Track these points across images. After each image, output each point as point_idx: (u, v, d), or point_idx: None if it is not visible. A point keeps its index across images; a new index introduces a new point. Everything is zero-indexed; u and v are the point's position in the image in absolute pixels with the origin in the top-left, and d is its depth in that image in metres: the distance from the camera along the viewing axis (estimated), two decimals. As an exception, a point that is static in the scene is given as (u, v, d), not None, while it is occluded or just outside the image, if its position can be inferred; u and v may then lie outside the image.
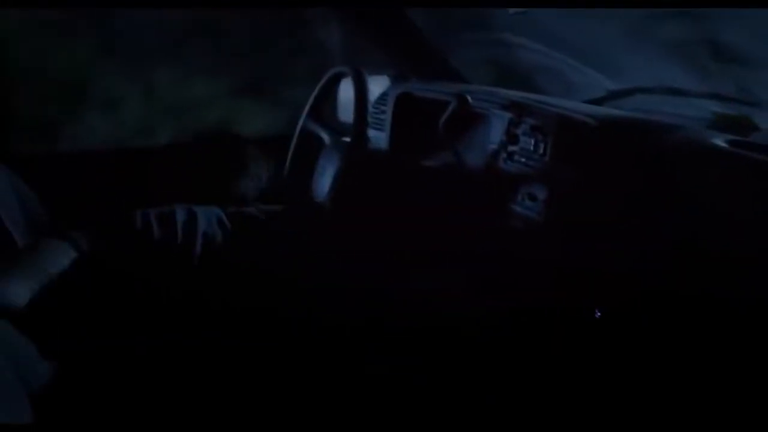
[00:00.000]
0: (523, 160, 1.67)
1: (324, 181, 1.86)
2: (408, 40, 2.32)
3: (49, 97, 2.68)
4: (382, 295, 1.71)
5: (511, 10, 2.00)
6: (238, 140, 2.40)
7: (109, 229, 1.76)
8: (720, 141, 1.44)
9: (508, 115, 1.75)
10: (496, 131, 1.77)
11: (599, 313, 1.49)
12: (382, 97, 2.19)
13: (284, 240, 1.79)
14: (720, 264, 1.30)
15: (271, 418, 1.40)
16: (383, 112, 2.15)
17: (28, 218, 1.81)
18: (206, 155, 2.34)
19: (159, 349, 1.45)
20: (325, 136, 1.98)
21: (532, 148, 1.65)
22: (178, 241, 1.75)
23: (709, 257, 1.31)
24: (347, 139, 1.88)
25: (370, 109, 2.13)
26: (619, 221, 1.45)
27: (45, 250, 1.62)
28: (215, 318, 1.57)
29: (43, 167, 2.05)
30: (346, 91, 2.13)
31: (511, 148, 1.71)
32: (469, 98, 1.80)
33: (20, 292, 1.49)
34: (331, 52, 2.64)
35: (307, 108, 2.07)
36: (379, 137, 2.11)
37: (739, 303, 1.27)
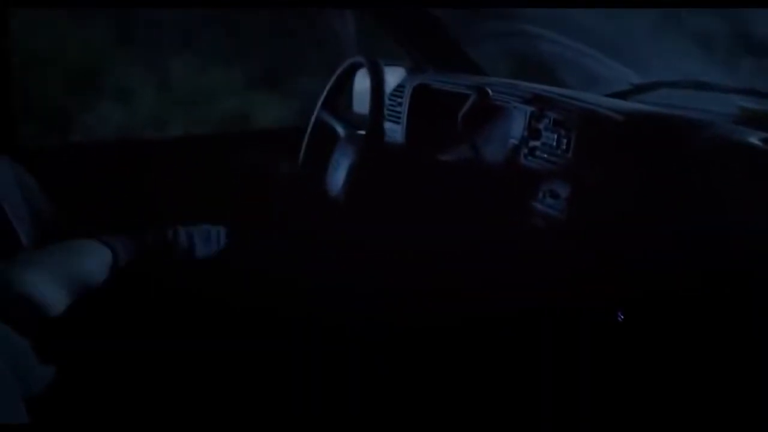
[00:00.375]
0: (545, 155, 1.62)
1: (338, 175, 1.81)
2: (425, 31, 2.27)
3: (61, 88, 2.68)
4: (396, 293, 1.67)
5: None
6: None
7: (149, 240, 1.73)
8: (754, 139, 1.37)
9: (529, 108, 1.69)
10: (517, 126, 1.72)
11: (622, 316, 1.44)
12: (398, 88, 2.14)
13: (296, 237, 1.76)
14: (751, 267, 1.26)
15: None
16: (399, 104, 2.10)
17: (33, 214, 1.77)
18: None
19: (180, 356, 1.43)
20: (340, 129, 1.93)
21: (554, 143, 1.59)
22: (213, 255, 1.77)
23: (740, 260, 1.25)
24: (362, 132, 1.82)
25: (386, 101, 2.09)
26: (644, 221, 1.40)
27: (82, 252, 1.58)
28: (240, 326, 1.54)
29: (49, 160, 2.00)
30: (361, 82, 2.09)
31: (533, 143, 1.66)
32: (489, 91, 1.74)
33: (61, 298, 1.46)
34: (347, 43, 2.61)
35: (321, 99, 2.02)
36: (394, 130, 2.06)
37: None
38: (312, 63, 2.43)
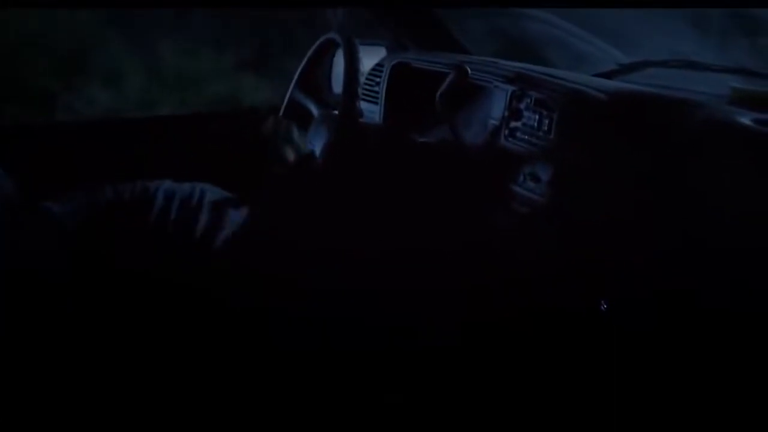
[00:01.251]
0: (526, 137, 1.56)
1: (312, 156, 1.74)
2: (408, 9, 2.20)
3: (47, 70, 2.66)
4: (372, 285, 1.61)
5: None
6: None
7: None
8: (745, 119, 1.31)
9: (510, 88, 1.63)
10: (497, 105, 1.65)
11: (605, 306, 1.38)
12: (377, 67, 2.07)
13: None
14: (741, 253, 1.20)
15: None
16: (377, 83, 2.03)
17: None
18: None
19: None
20: (314, 108, 1.87)
21: (536, 124, 1.53)
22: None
23: (729, 246, 1.21)
24: (337, 112, 1.76)
25: (364, 80, 2.03)
26: (629, 205, 1.34)
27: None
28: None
29: (12, 139, 1.94)
30: (341, 62, 2.03)
31: (514, 124, 1.60)
32: (468, 69, 1.68)
33: None
34: (336, 24, 2.56)
35: (295, 78, 1.96)
36: (372, 110, 2.00)
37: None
38: (302, 45, 2.37)
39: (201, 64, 2.98)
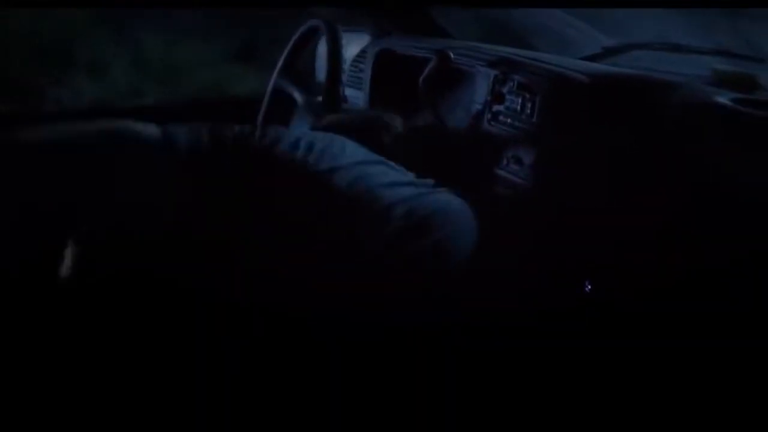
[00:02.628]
0: (509, 120, 1.56)
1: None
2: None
3: (33, 61, 2.65)
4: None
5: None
6: None
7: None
8: (724, 99, 1.32)
9: (493, 72, 1.63)
10: (480, 90, 1.66)
11: (589, 286, 1.38)
12: (361, 54, 2.07)
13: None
14: (723, 228, 1.22)
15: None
16: (362, 69, 2.03)
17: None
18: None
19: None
20: (297, 95, 1.87)
21: (519, 107, 1.54)
22: None
23: (711, 223, 1.22)
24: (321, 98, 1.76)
25: (348, 66, 2.03)
26: (612, 186, 1.34)
27: None
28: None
29: None
30: (324, 49, 2.03)
31: (497, 107, 1.60)
32: (451, 54, 1.68)
33: None
34: (323, 13, 2.55)
35: (279, 65, 1.95)
36: (357, 96, 2.00)
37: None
38: (288, 34, 2.36)
39: (187, 55, 2.97)
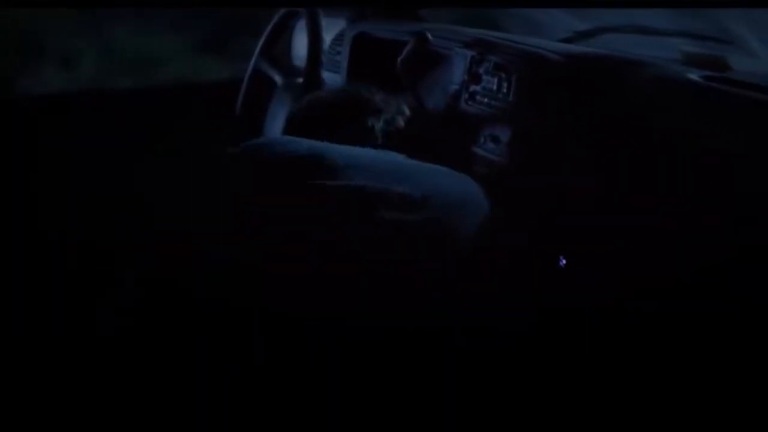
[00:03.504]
0: (485, 100, 1.60)
1: (276, 124, 1.77)
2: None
3: (2, 51, 2.62)
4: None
5: None
6: None
7: None
8: (695, 76, 1.36)
9: (470, 53, 1.66)
10: (457, 71, 1.69)
11: (564, 261, 1.41)
12: (339, 37, 2.09)
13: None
14: (695, 203, 1.25)
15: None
16: (339, 53, 2.05)
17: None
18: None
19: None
20: (278, 77, 1.88)
21: (495, 87, 1.57)
22: None
23: (681, 194, 1.26)
24: (300, 80, 1.78)
25: (326, 50, 2.04)
26: (586, 163, 1.37)
27: None
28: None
29: None
30: (300, 38, 2.05)
31: (474, 88, 1.63)
32: (429, 36, 1.70)
33: None
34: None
35: (258, 47, 1.97)
36: (334, 80, 2.01)
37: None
38: (261, 24, 2.37)
39: (157, 46, 2.95)
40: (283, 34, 2.01)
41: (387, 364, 1.00)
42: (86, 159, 1.95)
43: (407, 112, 1.56)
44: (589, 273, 1.38)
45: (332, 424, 0.95)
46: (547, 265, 1.43)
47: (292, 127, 1.54)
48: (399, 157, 1.35)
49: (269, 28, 1.96)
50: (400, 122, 1.53)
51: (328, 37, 2.08)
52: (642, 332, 1.26)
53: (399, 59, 1.71)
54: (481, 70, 1.62)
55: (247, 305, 0.98)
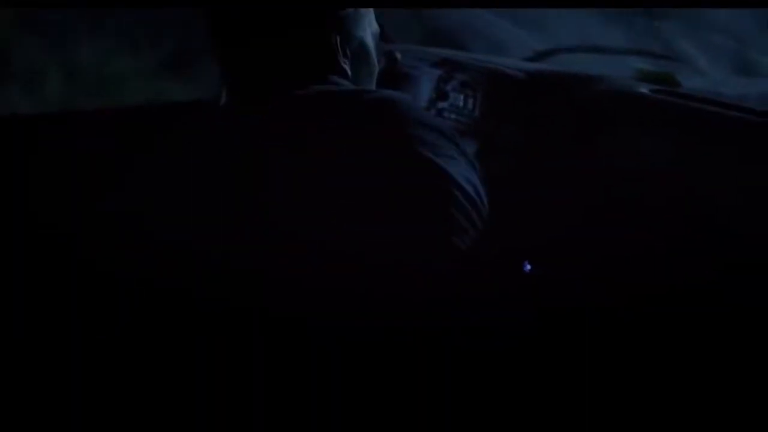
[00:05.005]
0: (453, 116, 1.67)
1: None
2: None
3: None
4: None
5: None
6: None
7: None
8: (644, 89, 1.46)
9: (438, 71, 1.74)
10: (425, 88, 1.76)
11: (529, 266, 1.48)
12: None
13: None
14: (644, 209, 1.34)
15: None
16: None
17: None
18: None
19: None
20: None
21: (461, 103, 1.65)
22: None
23: (633, 202, 1.34)
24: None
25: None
26: (547, 172, 1.46)
27: None
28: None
29: None
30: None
31: (441, 104, 1.71)
32: (399, 56, 1.78)
33: None
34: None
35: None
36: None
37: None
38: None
39: (121, 66, 2.91)
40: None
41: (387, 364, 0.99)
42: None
43: None
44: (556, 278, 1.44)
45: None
46: (514, 272, 1.49)
47: None
48: None
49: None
50: None
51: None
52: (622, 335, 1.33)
53: (370, 77, 1.78)
54: (448, 88, 1.69)
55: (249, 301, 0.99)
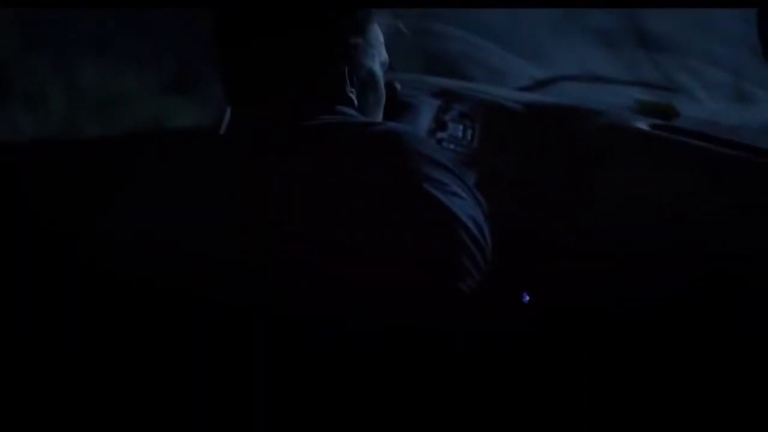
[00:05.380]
0: (451, 146, 1.67)
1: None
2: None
3: None
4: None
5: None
6: None
7: None
8: (643, 124, 1.46)
9: (437, 102, 1.74)
10: (425, 118, 1.75)
11: (528, 297, 1.48)
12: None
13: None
14: (641, 248, 1.34)
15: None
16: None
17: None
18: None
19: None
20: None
21: (460, 134, 1.65)
22: None
23: (631, 236, 1.33)
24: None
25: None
26: (545, 205, 1.46)
27: None
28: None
29: None
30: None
31: (440, 134, 1.70)
32: (398, 85, 1.78)
33: None
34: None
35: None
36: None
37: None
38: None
39: (123, 87, 2.91)
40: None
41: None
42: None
43: None
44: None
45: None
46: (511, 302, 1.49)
47: None
48: None
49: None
50: None
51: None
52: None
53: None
54: (447, 118, 1.69)
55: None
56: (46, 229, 1.70)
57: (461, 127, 1.65)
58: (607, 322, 1.30)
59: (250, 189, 0.98)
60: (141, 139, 2.31)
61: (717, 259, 1.26)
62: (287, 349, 0.93)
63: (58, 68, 2.70)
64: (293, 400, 0.93)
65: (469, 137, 1.63)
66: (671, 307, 1.27)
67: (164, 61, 2.83)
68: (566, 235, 1.44)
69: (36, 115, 2.69)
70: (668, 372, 1.27)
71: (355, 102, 1.10)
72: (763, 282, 1.20)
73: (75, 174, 2.04)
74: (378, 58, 1.17)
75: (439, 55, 2.37)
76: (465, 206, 1.03)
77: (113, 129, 2.79)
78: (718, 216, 1.27)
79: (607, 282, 1.35)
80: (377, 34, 1.17)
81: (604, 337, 1.31)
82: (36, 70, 2.68)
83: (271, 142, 1.01)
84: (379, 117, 1.24)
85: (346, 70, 1.08)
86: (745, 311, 1.21)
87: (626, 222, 1.37)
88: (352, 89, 1.10)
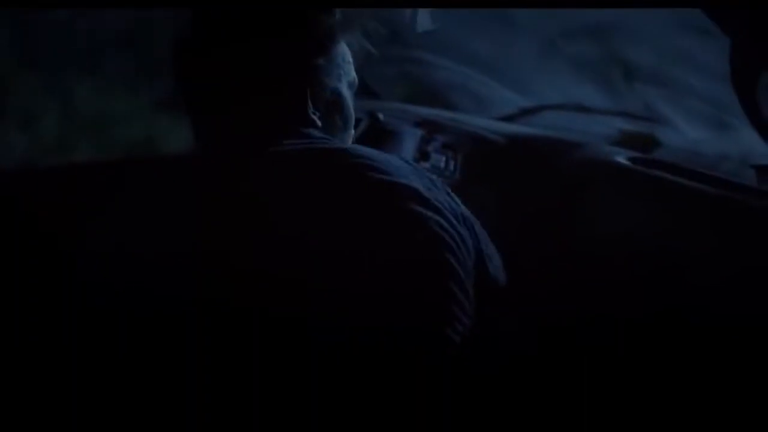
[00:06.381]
0: (434, 177, 1.68)
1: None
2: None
3: None
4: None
5: (420, 28, 2.00)
6: None
7: None
8: (621, 158, 1.48)
9: (419, 132, 1.75)
10: (407, 148, 1.77)
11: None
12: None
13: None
14: (621, 280, 1.34)
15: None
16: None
17: None
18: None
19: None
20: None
21: (442, 165, 1.66)
22: None
23: (609, 273, 1.34)
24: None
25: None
26: (524, 235, 1.47)
27: None
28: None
29: None
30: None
31: (423, 165, 1.71)
32: (380, 115, 1.79)
33: None
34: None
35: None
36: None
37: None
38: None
39: (117, 105, 2.91)
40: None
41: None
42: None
43: None
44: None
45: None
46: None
47: None
48: None
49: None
50: None
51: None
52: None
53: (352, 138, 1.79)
54: (429, 149, 1.70)
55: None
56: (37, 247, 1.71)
57: (444, 158, 1.66)
58: (587, 351, 1.33)
59: (220, 218, 0.95)
60: (125, 164, 2.30)
61: (692, 291, 1.26)
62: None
63: (51, 87, 2.70)
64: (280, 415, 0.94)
65: (451, 168, 1.64)
66: (646, 333, 1.29)
67: (157, 80, 2.83)
68: (545, 266, 1.43)
69: (29, 134, 2.69)
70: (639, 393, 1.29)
71: (319, 123, 1.07)
72: (737, 312, 1.22)
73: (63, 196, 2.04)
74: (345, 78, 1.12)
75: (423, 83, 2.39)
76: (453, 246, 1.01)
77: (106, 148, 2.79)
78: (694, 249, 1.28)
79: (585, 312, 1.36)
80: (344, 54, 1.12)
81: (582, 362, 1.33)
82: (29, 90, 2.68)
83: (236, 167, 0.99)
84: (349, 140, 1.21)
85: (309, 92, 1.05)
86: (717, 340, 1.22)
87: (604, 254, 1.37)
88: (316, 111, 1.06)
